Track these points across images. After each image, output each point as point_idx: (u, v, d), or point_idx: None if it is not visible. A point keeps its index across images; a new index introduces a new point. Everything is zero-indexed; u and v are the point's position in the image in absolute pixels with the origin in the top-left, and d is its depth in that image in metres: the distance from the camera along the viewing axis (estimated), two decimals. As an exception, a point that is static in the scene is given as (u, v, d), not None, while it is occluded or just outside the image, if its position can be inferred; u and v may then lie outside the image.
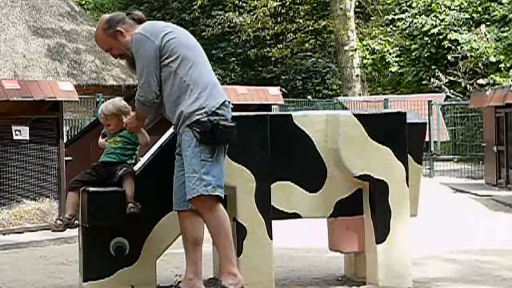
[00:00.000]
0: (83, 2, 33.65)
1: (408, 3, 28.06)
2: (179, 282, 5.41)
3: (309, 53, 31.40)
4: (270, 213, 5.51)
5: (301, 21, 31.05)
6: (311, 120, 5.71)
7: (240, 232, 5.46)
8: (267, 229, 5.50)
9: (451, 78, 24.36)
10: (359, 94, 26.49)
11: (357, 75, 27.17)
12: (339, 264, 6.43)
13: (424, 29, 25.40)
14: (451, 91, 24.09)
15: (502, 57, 23.00)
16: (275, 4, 29.85)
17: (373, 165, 5.63)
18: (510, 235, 8.99)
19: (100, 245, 5.44)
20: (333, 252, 6.03)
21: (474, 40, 23.71)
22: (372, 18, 31.41)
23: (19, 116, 9.88)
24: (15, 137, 9.70)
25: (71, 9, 23.33)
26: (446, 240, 8.65)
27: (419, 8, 26.55)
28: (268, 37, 31.12)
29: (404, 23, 27.43)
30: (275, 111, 12.34)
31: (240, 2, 30.19)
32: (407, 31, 27.14)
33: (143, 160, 5.66)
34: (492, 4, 24.91)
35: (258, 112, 6.19)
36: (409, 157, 5.76)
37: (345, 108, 20.45)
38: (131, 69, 5.43)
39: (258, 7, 29.79)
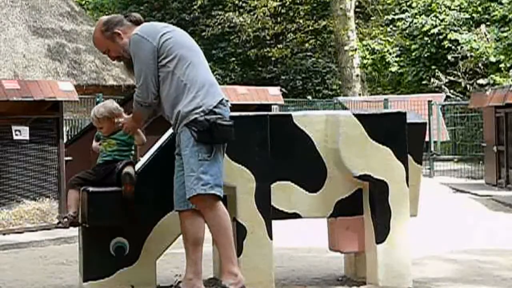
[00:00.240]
0: (83, 2, 33.65)
1: (408, 3, 28.06)
2: (179, 282, 5.41)
3: (309, 53, 31.40)
4: (270, 213, 5.52)
5: (301, 21, 31.05)
6: (311, 120, 5.71)
7: (240, 232, 5.46)
8: (267, 229, 5.50)
9: (451, 78, 24.37)
10: (359, 94, 26.49)
11: (357, 75, 27.17)
12: (339, 264, 6.43)
13: (424, 29, 25.40)
14: (451, 91, 24.09)
15: (502, 57, 23.01)
16: (275, 4, 29.84)
17: (373, 165, 5.63)
18: (510, 235, 8.99)
19: (100, 245, 5.44)
20: (333, 252, 6.03)
21: (474, 40, 23.72)
22: (372, 18, 31.41)
23: (19, 116, 9.88)
24: (15, 137, 9.70)
25: (71, 9, 23.33)
26: (446, 240, 8.65)
27: (419, 8, 26.55)
28: (268, 37, 31.12)
29: (404, 23, 27.44)
30: (275, 111, 12.34)
31: (240, 2, 30.19)
32: (407, 31, 27.14)
33: (143, 160, 5.67)
34: (492, 4, 24.91)
35: (258, 112, 6.19)
36: (409, 157, 5.76)
37: (345, 108, 20.45)
38: (127, 71, 5.44)
39: (258, 7, 29.79)
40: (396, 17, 28.59)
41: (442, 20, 25.18)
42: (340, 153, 5.62)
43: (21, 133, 9.73)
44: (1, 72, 20.07)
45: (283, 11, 31.07)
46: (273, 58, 30.80)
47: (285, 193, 5.62)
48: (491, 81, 22.33)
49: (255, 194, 5.46)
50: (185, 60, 5.13)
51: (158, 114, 5.36)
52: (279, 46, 30.70)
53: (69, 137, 13.42)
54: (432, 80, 24.65)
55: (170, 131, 5.45)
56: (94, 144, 5.72)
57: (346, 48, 26.90)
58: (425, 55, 25.80)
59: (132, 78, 5.44)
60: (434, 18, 25.38)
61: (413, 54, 26.26)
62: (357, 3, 28.65)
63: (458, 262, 7.09)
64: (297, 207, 5.67)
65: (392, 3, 29.87)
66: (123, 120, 5.43)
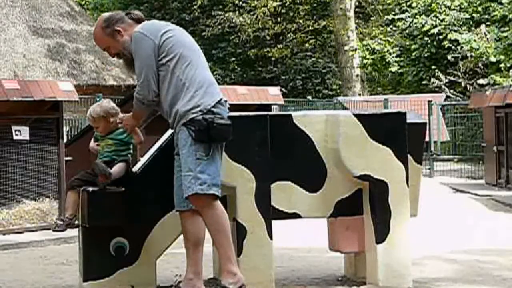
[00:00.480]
0: (83, 2, 33.65)
1: (408, 3, 28.07)
2: (179, 282, 5.41)
3: (309, 53, 31.39)
4: (270, 213, 5.51)
5: (301, 21, 31.04)
6: (311, 120, 5.71)
7: (240, 232, 5.46)
8: (267, 229, 5.50)
9: (451, 78, 24.37)
10: (359, 94, 26.49)
11: (357, 75, 27.17)
12: (339, 264, 6.43)
13: (424, 29, 25.41)
14: (451, 91, 24.10)
15: (502, 57, 23.01)
16: (275, 4, 29.84)
17: (373, 165, 5.63)
18: (510, 235, 8.99)
19: (100, 245, 5.44)
20: (333, 252, 6.03)
21: (474, 40, 23.71)
22: (372, 18, 31.41)
23: (19, 116, 9.88)
24: (15, 137, 9.70)
25: (71, 9, 23.33)
26: (446, 240, 8.65)
27: (419, 8, 26.56)
28: (268, 37, 31.12)
29: (404, 23, 27.44)
30: (275, 111, 12.34)
31: (240, 2, 30.19)
32: (407, 31, 27.15)
33: (143, 160, 5.67)
34: (492, 4, 24.91)
35: (258, 112, 6.19)
36: (409, 157, 5.76)
37: (345, 108, 20.45)
38: (127, 68, 5.44)
39: (258, 7, 29.79)
40: (396, 17, 28.60)
41: (442, 20, 25.18)
42: (340, 153, 5.62)
43: (21, 133, 9.73)
44: (1, 72, 20.07)
45: (283, 11, 31.07)
46: (273, 58, 30.80)
47: (285, 193, 5.62)
48: (491, 81, 22.32)
49: (255, 194, 5.46)
50: (185, 59, 5.14)
51: (158, 113, 5.37)
52: (279, 46, 30.70)
53: (69, 137, 13.42)
54: (432, 80, 24.66)
55: (170, 131, 5.46)
56: (91, 144, 5.72)
57: (346, 48, 26.90)
58: (425, 55, 25.80)
59: (131, 75, 5.46)
60: (434, 18, 25.38)
61: (413, 54, 26.26)
62: (357, 3, 28.65)
63: (458, 262, 7.09)
64: (297, 207, 5.67)
65: (392, 3, 29.87)
66: (122, 116, 5.43)
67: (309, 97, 25.14)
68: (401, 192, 5.68)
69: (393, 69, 27.63)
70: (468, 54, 23.79)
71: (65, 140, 10.53)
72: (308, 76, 30.64)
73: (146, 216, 5.45)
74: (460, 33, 24.43)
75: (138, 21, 5.35)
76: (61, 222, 5.52)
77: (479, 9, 25.29)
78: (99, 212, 5.33)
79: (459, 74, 24.28)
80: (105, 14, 5.43)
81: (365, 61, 28.49)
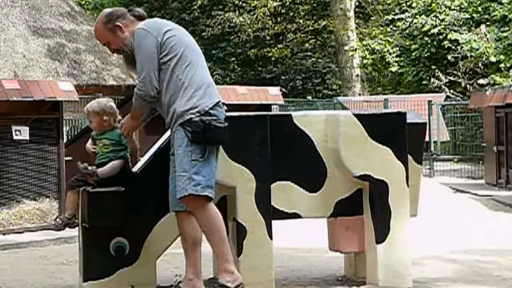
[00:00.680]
0: (83, 2, 33.65)
1: (408, 3, 28.07)
2: (179, 282, 5.41)
3: (309, 53, 31.40)
4: (270, 213, 5.51)
5: (301, 21, 31.05)
6: (311, 120, 5.71)
7: (240, 232, 5.46)
8: (267, 229, 5.50)
9: (451, 78, 24.37)
10: (359, 94, 26.48)
11: (357, 75, 27.16)
12: (339, 264, 6.43)
13: (424, 29, 25.41)
14: (451, 91, 24.10)
15: (502, 57, 23.00)
16: (275, 4, 29.84)
17: (373, 165, 5.63)
18: (510, 235, 8.99)
19: (100, 245, 5.44)
20: (333, 252, 6.03)
21: (474, 40, 23.71)
22: (372, 18, 31.41)
23: (19, 116, 9.88)
24: (15, 137, 9.70)
25: (71, 9, 23.33)
26: (446, 240, 8.65)
27: (419, 8, 26.56)
28: (268, 37, 31.12)
29: (404, 23, 27.44)
30: (275, 111, 12.35)
31: (240, 2, 30.19)
32: (407, 31, 27.15)
33: (143, 160, 5.67)
34: (492, 4, 24.91)
35: (258, 112, 6.19)
36: (409, 157, 5.76)
37: (345, 108, 20.44)
38: (127, 65, 5.43)
39: (258, 7, 29.79)
40: (396, 17, 28.60)
41: (442, 20, 25.18)
42: (340, 153, 5.62)
43: (21, 133, 9.73)
44: (1, 72, 20.07)
45: (283, 11, 31.07)
46: (273, 58, 30.80)
47: (285, 193, 5.62)
48: (491, 81, 22.32)
49: (255, 194, 5.46)
50: (185, 59, 5.14)
51: (157, 113, 5.36)
52: (279, 46, 30.70)
53: (69, 137, 13.42)
54: (432, 80, 24.65)
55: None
56: (88, 145, 5.72)
57: (346, 48, 26.90)
58: (425, 55, 25.80)
59: (131, 71, 5.46)
60: (434, 18, 25.38)
61: (413, 54, 26.26)
62: (357, 3, 28.65)
63: (458, 262, 7.09)
64: (297, 207, 5.67)
65: (392, 3, 29.87)
66: (123, 121, 5.41)
67: (309, 97, 25.12)
68: (401, 192, 5.68)
69: (393, 69, 27.63)
70: (468, 54, 23.79)
71: (65, 140, 10.53)
72: (308, 76, 30.65)
73: (146, 216, 5.45)
74: (460, 33, 24.43)
75: (140, 18, 5.34)
76: (60, 221, 5.52)
77: (479, 9, 25.29)
78: (99, 212, 5.33)
79: (459, 74, 24.28)
80: (107, 10, 5.42)
81: (365, 61, 28.49)
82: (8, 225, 9.58)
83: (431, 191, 13.35)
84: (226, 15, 29.97)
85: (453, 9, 25.40)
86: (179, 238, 5.42)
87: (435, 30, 25.07)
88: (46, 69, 20.96)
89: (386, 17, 29.75)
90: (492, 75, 22.82)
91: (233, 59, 31.35)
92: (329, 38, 31.28)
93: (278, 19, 31.22)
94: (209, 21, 30.11)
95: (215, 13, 30.32)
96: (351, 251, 5.90)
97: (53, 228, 5.63)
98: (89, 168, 5.38)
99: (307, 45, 31.31)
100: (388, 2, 30.31)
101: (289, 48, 30.94)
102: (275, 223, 5.57)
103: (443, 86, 24.23)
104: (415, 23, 26.05)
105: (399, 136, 5.71)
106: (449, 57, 24.62)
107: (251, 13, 30.14)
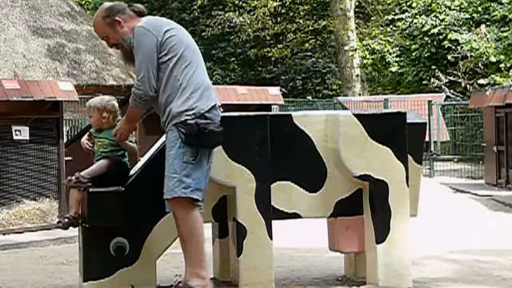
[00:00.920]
0: (83, 2, 33.65)
1: (408, 3, 28.07)
2: (179, 282, 5.40)
3: (309, 53, 31.41)
4: (270, 213, 5.51)
5: (301, 21, 31.06)
6: (311, 120, 5.71)
7: (240, 232, 5.46)
8: (267, 229, 5.50)
9: (451, 78, 24.36)
10: (359, 94, 26.49)
11: (357, 75, 27.17)
12: (339, 264, 6.43)
13: (424, 29, 25.40)
14: (451, 91, 24.09)
15: (502, 57, 23.00)
16: (275, 4, 29.85)
17: (373, 165, 5.63)
18: (510, 235, 8.99)
19: (100, 245, 5.44)
20: (333, 252, 6.03)
21: (474, 40, 23.71)
22: (372, 18, 31.42)
23: (19, 116, 9.88)
24: (15, 137, 9.70)
25: (71, 9, 23.32)
26: (446, 240, 8.65)
27: (419, 8, 26.55)
28: (268, 37, 31.13)
29: (404, 23, 27.44)
30: (275, 111, 12.35)
31: (240, 2, 30.20)
32: (407, 31, 27.15)
33: (143, 160, 5.67)
34: (492, 4, 24.90)
35: (258, 112, 6.19)
36: (409, 157, 5.76)
37: (345, 108, 20.44)
38: (125, 60, 5.41)
39: (258, 7, 29.80)
40: (396, 17, 28.60)
41: (442, 20, 25.18)
42: (340, 153, 5.62)
43: (21, 133, 9.73)
44: (1, 72, 20.06)
45: (283, 11, 31.08)
46: (273, 58, 30.81)
47: (285, 193, 5.62)
48: (491, 81, 22.32)
49: (255, 194, 5.46)
50: (184, 59, 5.12)
51: (152, 110, 5.34)
52: (279, 46, 30.71)
53: (69, 137, 13.42)
54: (432, 80, 24.65)
55: (170, 131, 5.44)
56: (83, 139, 5.71)
57: (346, 48, 26.90)
58: (425, 55, 25.80)
59: (128, 66, 5.43)
60: (434, 18, 25.38)
61: (413, 54, 26.26)
62: (357, 3, 28.66)
63: (458, 262, 7.09)
64: (297, 207, 5.67)
65: (392, 3, 29.87)
66: (117, 127, 5.37)
67: (309, 97, 25.13)
68: (401, 192, 5.68)
69: (393, 69, 27.63)
70: (468, 54, 23.79)
71: (65, 140, 10.53)
72: (308, 76, 30.65)
73: (146, 216, 5.45)
74: (460, 33, 24.42)
75: (140, 14, 5.32)
76: (66, 220, 5.50)
77: (479, 9, 25.29)
78: (99, 212, 5.33)
79: (459, 74, 24.27)
80: (107, 4, 5.37)
81: (365, 61, 28.49)
82: (8, 225, 9.58)
83: (431, 191, 13.35)
84: (226, 15, 29.98)
85: (453, 9, 25.40)
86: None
87: (435, 30, 25.06)
88: (46, 69, 20.96)
89: (386, 17, 29.75)
90: (492, 75, 22.82)
91: (233, 59, 31.36)
92: (329, 38, 31.29)
93: (278, 19, 31.23)
94: (209, 21, 30.11)
95: (215, 13, 30.32)
96: (351, 251, 5.90)
97: (60, 227, 5.60)
98: (73, 177, 5.39)
99: (307, 45, 31.32)
100: (388, 2, 30.30)
101: (289, 48, 30.95)
102: (275, 223, 5.57)
103: (443, 86, 24.23)
104: (415, 23, 26.05)
105: (399, 136, 5.71)
106: (449, 57, 24.62)
107: (251, 13, 30.15)
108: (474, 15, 25.22)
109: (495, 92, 14.67)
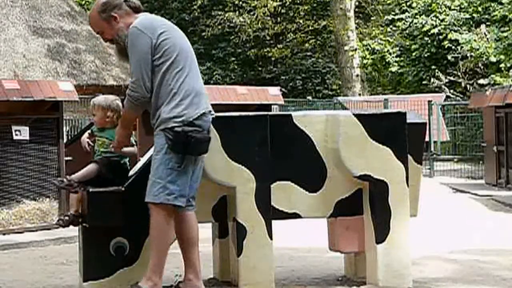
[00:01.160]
0: (83, 2, 33.65)
1: (408, 3, 28.06)
2: (179, 282, 5.40)
3: (309, 53, 31.41)
4: (270, 213, 5.51)
5: (301, 21, 31.05)
6: (311, 120, 5.71)
7: (240, 232, 5.45)
8: (267, 229, 5.50)
9: (451, 78, 24.36)
10: (359, 94, 26.48)
11: (357, 75, 27.16)
12: (339, 264, 6.43)
13: (424, 29, 25.40)
14: (451, 91, 24.09)
15: (502, 57, 22.99)
16: (275, 4, 29.85)
17: (373, 165, 5.63)
18: (510, 235, 8.99)
19: (100, 245, 5.44)
20: (333, 252, 6.03)
21: (474, 40, 23.70)
22: (372, 18, 31.41)
23: (19, 116, 9.89)
24: (15, 137, 9.70)
25: (71, 9, 23.32)
26: (446, 240, 8.65)
27: (419, 8, 26.55)
28: (268, 37, 31.13)
29: (404, 23, 27.43)
30: (275, 111, 12.35)
31: (240, 2, 30.19)
32: (407, 31, 27.14)
33: (143, 160, 5.66)
34: (492, 4, 24.90)
35: (258, 112, 6.19)
36: (409, 157, 5.76)
37: (345, 108, 20.44)
38: (119, 56, 5.38)
39: (258, 7, 29.79)
40: (396, 17, 28.59)
41: (442, 20, 25.18)
42: (340, 153, 5.62)
43: (21, 133, 9.73)
44: (1, 72, 20.06)
45: (283, 11, 31.08)
46: (273, 58, 30.81)
47: (285, 193, 5.62)
48: (491, 81, 22.31)
49: (255, 194, 5.46)
50: (177, 64, 5.08)
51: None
52: (279, 46, 30.71)
53: (69, 137, 13.42)
54: (432, 80, 24.65)
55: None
56: (84, 137, 5.71)
57: (346, 48, 26.90)
58: (425, 55, 25.80)
59: (122, 62, 5.38)
60: (434, 18, 25.37)
61: (413, 54, 26.25)
62: (357, 3, 28.65)
63: (458, 262, 7.09)
64: (297, 207, 5.67)
65: (392, 3, 29.87)
66: (116, 137, 5.36)
67: (309, 97, 25.12)
68: (401, 192, 5.68)
69: (393, 69, 27.62)
70: (468, 54, 23.78)
71: (65, 140, 10.54)
72: (308, 76, 30.65)
73: (146, 216, 5.44)
74: (460, 33, 24.42)
75: (136, 9, 5.28)
76: (66, 218, 5.50)
77: (479, 9, 25.28)
78: (99, 212, 5.33)
79: (459, 74, 24.27)
80: None
81: (365, 61, 28.48)
82: (8, 225, 9.58)
83: (431, 191, 13.35)
84: (226, 15, 29.97)
85: (453, 9, 25.39)
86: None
87: (435, 30, 25.06)
88: (46, 69, 20.96)
89: (386, 17, 29.75)
90: (492, 75, 22.81)
91: (233, 59, 31.35)
92: (329, 38, 31.29)
93: (278, 19, 31.23)
94: (209, 21, 30.11)
95: (215, 13, 30.32)
96: (351, 251, 5.90)
97: (60, 224, 5.60)
98: (64, 180, 5.41)
99: (307, 45, 31.32)
100: (388, 2, 30.30)
101: (289, 48, 30.95)
102: (275, 223, 5.56)
103: (443, 86, 24.22)
104: (415, 23, 26.05)
105: (399, 136, 5.71)
106: (449, 57, 24.61)
107: (251, 13, 30.15)
108: (474, 15, 25.21)
109: (495, 92, 14.67)
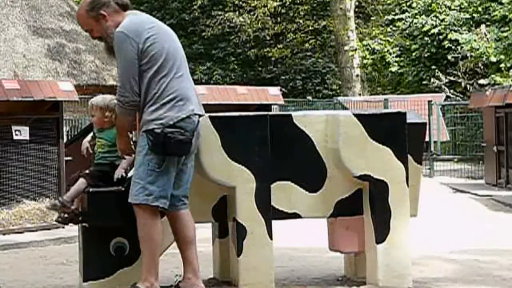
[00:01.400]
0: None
1: (408, 3, 28.05)
2: (179, 282, 5.40)
3: (309, 53, 31.41)
4: (270, 213, 5.51)
5: (301, 21, 31.06)
6: (311, 120, 5.71)
7: (240, 232, 5.45)
8: (267, 229, 5.50)
9: (451, 78, 24.36)
10: (359, 94, 26.48)
11: (357, 75, 27.17)
12: (339, 264, 6.43)
13: (424, 29, 25.39)
14: (451, 91, 24.09)
15: (502, 57, 22.99)
16: (275, 4, 29.85)
17: (373, 165, 5.63)
18: (510, 235, 8.99)
19: (100, 245, 5.44)
20: (333, 252, 6.03)
21: (474, 40, 23.70)
22: (372, 18, 31.41)
23: (19, 116, 9.89)
24: (15, 137, 9.71)
25: (71, 9, 23.32)
26: (446, 240, 8.65)
27: (419, 8, 26.54)
28: (268, 37, 31.13)
29: (404, 23, 27.42)
30: (275, 111, 12.34)
31: (240, 2, 30.20)
32: (407, 31, 27.13)
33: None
34: (492, 4, 24.89)
35: (258, 112, 6.19)
36: (409, 157, 5.76)
37: (345, 108, 20.44)
38: (107, 53, 5.37)
39: (258, 7, 29.80)
40: (396, 17, 28.58)
41: (442, 20, 25.17)
42: (340, 153, 5.62)
43: (21, 133, 9.73)
44: (1, 72, 20.06)
45: (283, 11, 31.08)
46: (273, 58, 30.81)
47: (285, 193, 5.61)
48: (491, 81, 22.31)
49: (255, 194, 5.46)
50: (162, 69, 5.07)
51: None
52: (279, 46, 30.72)
53: (69, 137, 13.42)
54: (432, 80, 24.64)
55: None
56: (85, 140, 5.72)
57: (346, 48, 26.90)
58: (425, 55, 25.79)
59: (111, 60, 5.37)
60: (434, 18, 25.36)
61: (413, 54, 26.24)
62: (357, 3, 28.65)
63: (458, 262, 7.09)
64: (297, 207, 5.66)
65: (392, 3, 29.86)
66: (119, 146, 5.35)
67: (309, 97, 25.13)
68: (401, 192, 5.68)
69: (393, 69, 27.61)
70: (468, 54, 23.78)
71: (65, 140, 10.54)
72: (308, 76, 30.66)
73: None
74: (460, 33, 24.41)
75: (124, 7, 5.25)
76: (66, 216, 5.48)
77: (479, 9, 25.27)
78: (99, 212, 5.33)
79: (459, 74, 24.27)
80: None
81: (365, 61, 28.48)
82: (8, 225, 9.59)
83: (431, 191, 13.35)
84: (226, 15, 29.97)
85: (453, 9, 25.39)
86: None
87: (435, 30, 25.05)
88: (46, 69, 20.96)
89: (386, 17, 29.74)
90: (492, 75, 22.80)
91: (233, 59, 31.35)
92: (329, 38, 31.29)
93: (278, 19, 31.23)
94: (209, 21, 30.10)
95: (215, 13, 30.32)
96: (351, 251, 5.90)
97: (60, 221, 5.60)
98: (57, 202, 5.45)
99: (307, 45, 31.32)
100: (388, 2, 30.29)
101: (289, 48, 30.95)
102: (275, 223, 5.56)
103: (443, 86, 24.22)
104: (415, 23, 26.04)
105: (399, 136, 5.71)
106: (449, 57, 24.61)
107: (251, 13, 30.15)
108: (474, 15, 25.21)
109: (495, 92, 14.67)
